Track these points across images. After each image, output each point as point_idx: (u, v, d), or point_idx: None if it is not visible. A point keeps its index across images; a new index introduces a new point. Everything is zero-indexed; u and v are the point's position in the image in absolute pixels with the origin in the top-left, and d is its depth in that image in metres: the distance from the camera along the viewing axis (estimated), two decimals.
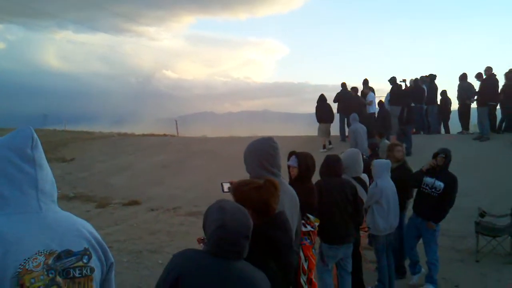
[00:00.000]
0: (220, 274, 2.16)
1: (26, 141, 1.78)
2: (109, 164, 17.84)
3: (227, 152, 15.93)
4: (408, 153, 12.86)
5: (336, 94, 16.70)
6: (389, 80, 16.32)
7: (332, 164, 5.37)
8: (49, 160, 1.91)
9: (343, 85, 16.89)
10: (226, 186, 3.48)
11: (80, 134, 25.79)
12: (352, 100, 16.23)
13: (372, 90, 16.58)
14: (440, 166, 6.38)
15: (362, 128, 12.81)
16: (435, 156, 6.48)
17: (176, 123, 27.23)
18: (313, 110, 16.04)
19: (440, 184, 6.30)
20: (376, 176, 6.17)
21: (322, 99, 16.01)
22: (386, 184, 6.08)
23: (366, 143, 12.05)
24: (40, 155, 1.82)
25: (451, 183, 6.31)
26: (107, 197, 13.74)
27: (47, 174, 1.84)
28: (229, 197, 3.01)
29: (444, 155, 6.37)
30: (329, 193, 5.08)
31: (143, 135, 24.67)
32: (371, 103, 16.00)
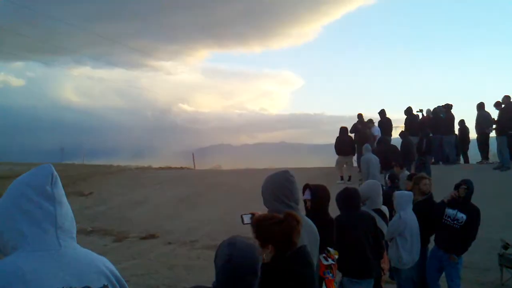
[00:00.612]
0: None
1: (46, 179, 1.79)
2: (127, 198, 17.86)
3: (244, 185, 15.83)
4: None
5: (353, 125, 16.68)
6: (405, 111, 16.26)
7: (351, 197, 5.28)
8: (67, 194, 1.92)
9: (360, 116, 16.88)
10: (247, 218, 3.44)
11: (98, 168, 25.94)
12: (367, 132, 16.19)
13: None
14: (462, 198, 6.26)
15: (375, 159, 12.69)
16: (457, 187, 6.37)
17: (193, 156, 27.33)
18: (330, 141, 16.00)
19: (462, 216, 6.18)
20: (399, 208, 6.07)
21: (343, 131, 15.92)
22: (410, 217, 5.99)
23: (378, 174, 11.94)
24: (60, 192, 1.83)
25: (474, 214, 6.18)
26: (124, 231, 13.71)
27: (66, 211, 1.85)
28: (250, 229, 2.98)
29: (466, 187, 6.26)
30: (351, 227, 4.98)
31: (161, 168, 24.74)
32: (376, 138, 15.90)
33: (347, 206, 5.21)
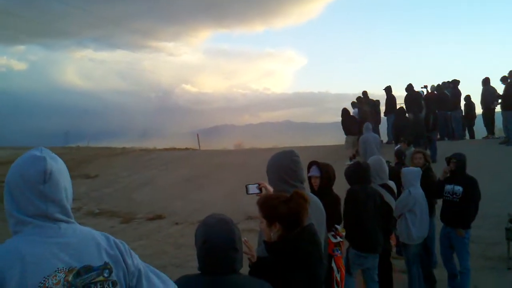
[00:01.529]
0: None
1: (39, 176, 1.75)
2: (133, 179, 17.93)
3: (249, 165, 15.85)
4: (434, 160, 12.66)
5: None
6: (406, 88, 16.14)
7: (364, 172, 5.28)
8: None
9: (364, 93, 16.78)
10: (252, 188, 3.42)
11: (103, 150, 26.01)
12: (373, 108, 16.09)
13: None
14: (455, 171, 6.27)
15: (373, 137, 12.65)
16: (448, 161, 6.39)
17: (198, 137, 27.32)
18: (335, 119, 15.88)
19: (459, 189, 6.19)
20: (407, 184, 6.08)
21: (345, 113, 15.74)
22: (418, 193, 5.99)
23: (378, 152, 11.71)
24: (53, 188, 1.78)
25: (470, 185, 6.19)
26: (131, 212, 13.81)
27: (60, 203, 1.80)
28: (254, 199, 2.97)
29: (455, 160, 6.27)
30: (363, 201, 4.97)
31: (165, 149, 24.77)
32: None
33: (361, 180, 5.20)
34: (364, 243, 5.03)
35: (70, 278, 1.68)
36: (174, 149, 24.75)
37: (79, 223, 1.87)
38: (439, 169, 6.89)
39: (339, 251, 4.17)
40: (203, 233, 2.24)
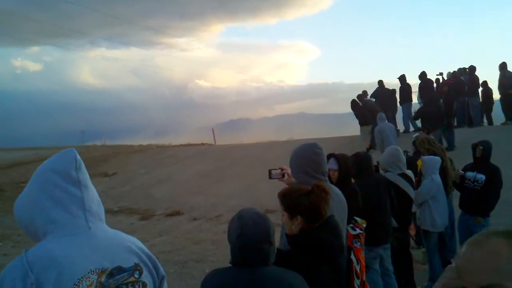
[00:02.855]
0: (246, 284, 2.16)
1: (70, 164, 1.81)
2: (150, 176, 18.03)
3: (265, 158, 15.77)
4: (452, 147, 12.56)
5: (373, 91, 16.46)
6: (419, 76, 15.95)
7: (363, 163, 5.22)
8: (91, 176, 1.93)
9: (380, 82, 16.64)
10: (275, 172, 3.45)
11: (120, 148, 26.17)
12: (389, 97, 15.95)
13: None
14: (479, 158, 6.20)
15: (389, 127, 12.53)
16: (473, 148, 6.31)
17: (213, 131, 27.37)
18: (350, 110, 15.69)
19: (481, 177, 6.11)
20: (429, 172, 6.03)
21: (355, 104, 15.49)
22: (440, 180, 5.97)
23: (394, 143, 11.44)
24: (85, 176, 1.86)
25: (493, 174, 6.11)
26: (150, 209, 13.90)
27: (93, 194, 1.88)
28: (274, 184, 2.97)
29: (482, 147, 6.19)
30: (366, 194, 4.88)
31: (181, 145, 24.87)
32: None
33: (361, 172, 5.14)
34: (369, 237, 4.88)
35: (103, 279, 1.70)
36: (190, 144, 24.85)
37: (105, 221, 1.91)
38: (458, 157, 6.81)
39: (359, 243, 4.14)
40: (239, 226, 2.25)
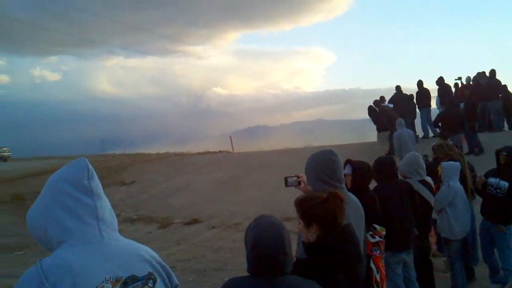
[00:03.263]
0: None
1: (82, 173, 1.82)
2: (168, 184, 18.09)
3: (283, 165, 15.71)
4: (480, 150, 12.51)
5: (391, 97, 16.36)
6: (436, 81, 15.83)
7: (385, 167, 5.16)
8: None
9: (398, 88, 16.52)
10: (292, 180, 3.44)
11: (138, 156, 26.37)
12: (407, 102, 15.83)
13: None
14: (503, 165, 6.08)
15: (408, 133, 12.39)
16: (497, 154, 6.19)
17: (231, 139, 27.41)
18: (367, 116, 15.59)
19: (504, 184, 5.99)
20: (447, 178, 5.94)
21: (372, 110, 15.39)
22: (458, 186, 5.86)
23: (412, 149, 11.18)
24: (97, 185, 1.86)
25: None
26: (168, 217, 13.92)
27: (105, 203, 1.88)
28: (293, 191, 2.94)
29: (506, 153, 6.06)
30: (387, 199, 4.81)
31: (199, 153, 24.97)
32: None
33: (383, 176, 5.09)
34: (392, 242, 4.82)
35: None
36: (208, 152, 24.94)
37: (118, 230, 1.90)
38: (479, 161, 6.68)
39: (378, 251, 4.09)
40: (253, 237, 2.23)
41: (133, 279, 1.75)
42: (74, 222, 1.75)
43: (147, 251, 1.92)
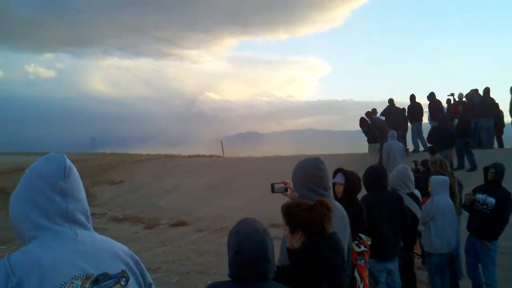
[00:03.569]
0: None
1: (59, 171, 1.77)
2: (157, 186, 18.04)
3: (273, 172, 15.67)
4: (474, 167, 12.57)
5: (383, 110, 16.45)
6: (427, 97, 15.95)
7: (378, 176, 5.18)
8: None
9: (391, 101, 16.61)
10: (278, 186, 3.44)
11: (128, 156, 26.26)
12: (399, 115, 15.92)
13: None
14: (491, 182, 6.13)
15: (398, 146, 12.51)
16: (485, 170, 6.24)
17: (222, 144, 27.40)
18: (359, 127, 15.66)
19: (491, 200, 6.04)
20: (433, 192, 5.98)
21: (363, 121, 15.43)
22: (444, 201, 5.88)
23: (400, 162, 11.26)
24: (73, 184, 1.81)
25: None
26: (155, 218, 13.88)
27: (80, 203, 1.83)
28: (282, 198, 2.94)
29: (494, 170, 6.12)
30: (378, 208, 4.86)
31: (190, 156, 24.90)
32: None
33: (375, 185, 5.10)
34: (379, 251, 4.84)
35: (87, 285, 1.67)
36: (198, 156, 24.88)
37: (104, 229, 1.89)
38: (469, 178, 6.74)
39: (363, 261, 4.09)
40: (235, 244, 2.19)
41: (105, 276, 1.73)
42: (44, 220, 1.72)
43: (122, 248, 1.89)
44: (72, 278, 1.64)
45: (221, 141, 28.13)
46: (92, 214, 1.94)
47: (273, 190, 3.47)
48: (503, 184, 6.18)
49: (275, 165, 17.22)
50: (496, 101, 15.96)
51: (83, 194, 1.86)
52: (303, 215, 2.66)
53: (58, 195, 1.74)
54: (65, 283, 1.62)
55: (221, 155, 25.71)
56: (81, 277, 1.66)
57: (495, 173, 6.11)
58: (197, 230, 12.12)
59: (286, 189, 3.42)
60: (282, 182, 3.45)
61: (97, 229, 1.87)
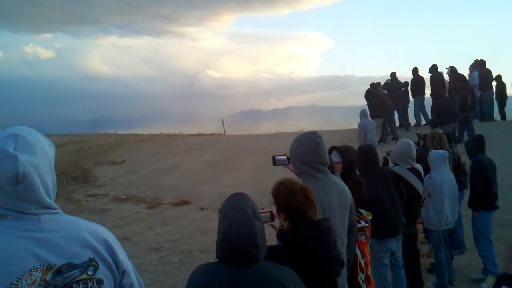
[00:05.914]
0: (235, 282, 2.07)
1: (10, 179, 1.55)
2: (159, 165, 17.99)
3: (275, 149, 15.56)
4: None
5: (384, 83, 16.35)
6: (429, 70, 15.78)
7: (366, 155, 5.16)
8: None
9: (393, 74, 16.47)
10: (280, 159, 3.40)
11: (130, 136, 26.18)
12: (401, 89, 15.82)
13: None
14: None
15: (371, 123, 13.49)
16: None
17: (223, 122, 27.34)
18: (361, 103, 15.62)
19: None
20: (432, 167, 5.93)
21: (369, 93, 15.40)
22: (443, 177, 5.83)
23: (375, 138, 13.26)
24: (32, 188, 1.60)
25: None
26: (157, 197, 13.89)
27: (37, 199, 1.62)
28: (281, 175, 2.89)
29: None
30: (371, 186, 4.76)
31: (191, 135, 24.84)
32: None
33: (365, 164, 5.06)
34: (379, 229, 4.79)
35: (48, 277, 1.55)
36: (200, 134, 24.82)
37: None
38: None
39: (364, 236, 4.06)
40: (222, 230, 2.13)
41: (69, 266, 1.59)
42: (4, 210, 1.57)
43: (94, 232, 1.72)
44: (31, 270, 1.52)
45: (222, 120, 28.08)
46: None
47: (274, 163, 3.42)
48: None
49: (277, 142, 17.15)
50: (498, 73, 15.81)
51: (47, 171, 1.67)
52: (286, 199, 2.60)
53: (12, 198, 1.57)
54: (21, 275, 1.50)
55: (223, 133, 25.67)
56: (41, 268, 1.54)
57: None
58: (199, 209, 12.14)
59: (288, 161, 3.36)
60: (285, 154, 3.39)
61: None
